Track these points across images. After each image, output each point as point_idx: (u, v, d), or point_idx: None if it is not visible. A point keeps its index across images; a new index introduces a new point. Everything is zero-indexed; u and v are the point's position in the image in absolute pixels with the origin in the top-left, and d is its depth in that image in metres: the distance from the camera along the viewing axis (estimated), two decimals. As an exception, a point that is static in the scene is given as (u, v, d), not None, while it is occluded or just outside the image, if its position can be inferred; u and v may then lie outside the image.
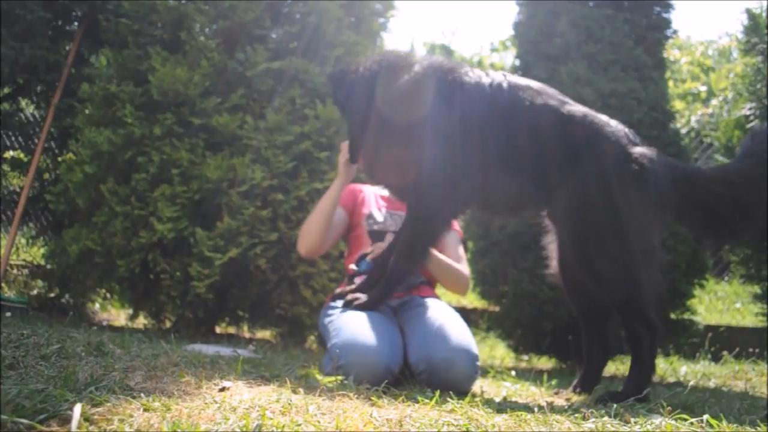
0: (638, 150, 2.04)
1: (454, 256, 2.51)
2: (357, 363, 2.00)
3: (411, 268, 2.20)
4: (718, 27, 23.68)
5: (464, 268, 2.53)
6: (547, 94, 2.11)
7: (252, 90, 3.47)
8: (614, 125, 2.09)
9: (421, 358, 2.10)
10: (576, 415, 1.55)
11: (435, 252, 2.44)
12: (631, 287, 2.00)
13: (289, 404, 1.41)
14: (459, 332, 2.19)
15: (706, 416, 1.51)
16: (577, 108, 2.09)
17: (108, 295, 4.07)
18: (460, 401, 1.61)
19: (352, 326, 2.13)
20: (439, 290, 2.67)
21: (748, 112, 4.08)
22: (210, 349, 2.56)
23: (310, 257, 2.57)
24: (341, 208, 2.56)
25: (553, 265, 2.29)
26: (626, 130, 2.10)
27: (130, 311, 3.86)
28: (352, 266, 2.43)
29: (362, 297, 2.26)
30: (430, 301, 2.39)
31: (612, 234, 1.99)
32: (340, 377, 1.93)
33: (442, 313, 2.30)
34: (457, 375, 2.07)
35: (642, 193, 2.00)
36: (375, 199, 2.61)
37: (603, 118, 2.10)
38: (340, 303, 2.33)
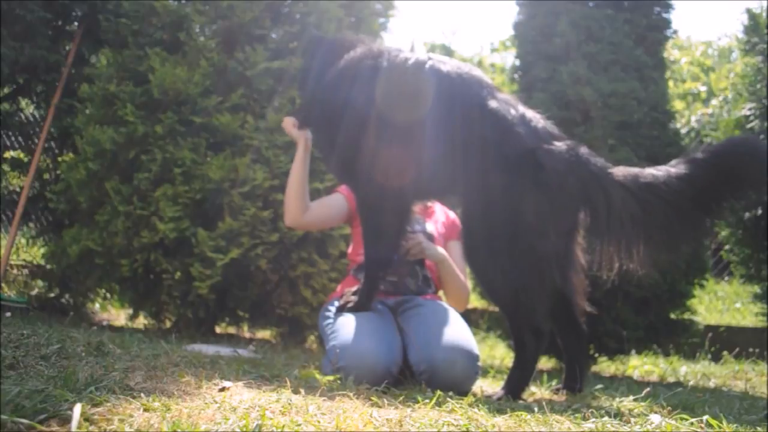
0: (546, 149, 1.97)
1: (458, 267, 2.50)
2: (356, 364, 2.00)
3: (375, 254, 2.22)
4: (718, 27, 23.69)
5: (467, 281, 2.53)
6: (470, 83, 2.09)
7: (252, 90, 3.47)
8: (527, 123, 2.02)
9: (422, 358, 2.10)
10: (576, 415, 1.55)
11: (447, 257, 2.44)
12: (519, 294, 1.98)
13: (289, 404, 1.41)
14: (460, 332, 2.19)
15: (706, 417, 1.51)
16: (493, 102, 2.04)
17: (108, 295, 4.06)
18: (460, 401, 1.61)
19: (350, 328, 2.13)
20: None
21: (748, 112, 4.08)
22: (210, 349, 2.56)
23: (295, 227, 2.64)
24: (343, 198, 2.55)
25: None
26: (540, 126, 2.04)
27: (130, 311, 3.86)
28: None
29: (354, 299, 2.28)
30: (430, 302, 2.38)
31: (502, 239, 1.97)
32: (340, 377, 1.93)
33: (443, 313, 2.30)
34: (458, 375, 2.07)
35: (540, 197, 1.95)
36: None
37: (514, 114, 2.03)
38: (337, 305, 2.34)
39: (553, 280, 2.01)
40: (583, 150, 2.02)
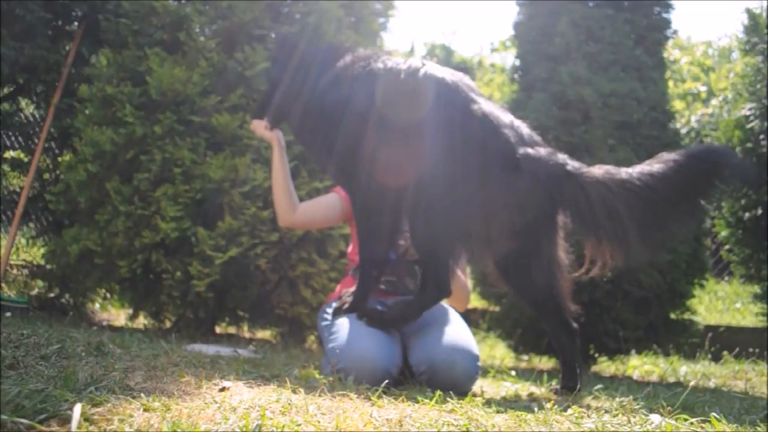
0: (527, 152, 2.03)
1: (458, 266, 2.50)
2: (355, 366, 2.00)
3: (371, 254, 2.26)
4: (718, 27, 23.71)
5: (467, 281, 2.53)
6: (463, 89, 2.12)
7: (252, 90, 3.47)
8: (512, 126, 2.08)
9: (422, 359, 2.10)
10: (576, 415, 1.55)
11: None
12: (436, 246, 2.06)
13: (289, 404, 1.41)
14: (460, 332, 2.19)
15: (710, 415, 1.51)
16: (479, 107, 2.09)
17: (108, 295, 4.06)
18: (460, 401, 1.61)
19: (349, 329, 2.13)
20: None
21: (748, 112, 4.08)
22: (210, 349, 2.56)
23: (289, 227, 2.72)
24: (339, 197, 2.55)
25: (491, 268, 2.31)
26: (526, 133, 2.10)
27: (130, 311, 3.86)
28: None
29: (350, 300, 2.29)
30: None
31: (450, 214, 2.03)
32: (340, 377, 1.93)
33: (443, 313, 2.30)
34: (458, 375, 2.07)
35: (512, 185, 2.00)
36: None
37: (503, 119, 2.09)
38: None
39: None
40: (562, 156, 2.08)
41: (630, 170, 2.03)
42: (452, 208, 2.02)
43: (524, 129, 2.12)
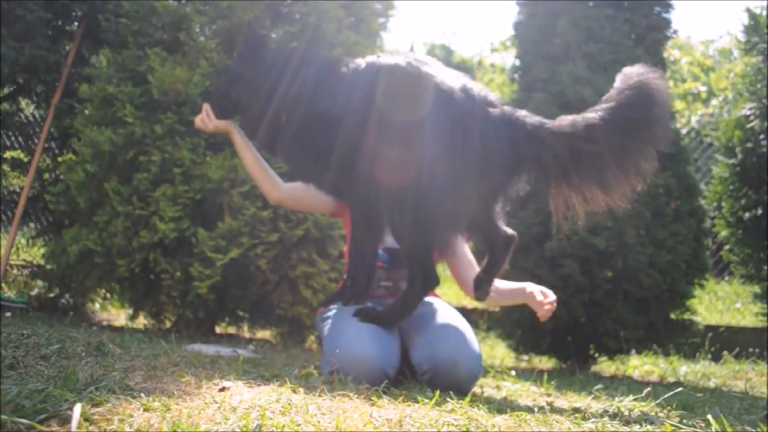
0: (476, 114, 1.98)
1: (466, 260, 2.50)
2: (352, 367, 1.99)
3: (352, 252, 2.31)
4: (718, 27, 23.73)
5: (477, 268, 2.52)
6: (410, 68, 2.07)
7: (252, 90, 3.47)
8: (465, 90, 2.02)
9: (425, 359, 2.10)
10: (576, 415, 1.55)
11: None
12: (418, 246, 2.05)
13: (289, 404, 1.41)
14: (462, 332, 2.19)
15: (707, 416, 1.51)
16: (438, 77, 2.03)
17: (108, 295, 4.06)
18: (460, 401, 1.61)
19: (346, 330, 2.13)
20: (439, 290, 2.67)
21: (748, 112, 4.08)
22: (210, 349, 2.56)
23: (278, 205, 2.68)
24: None
25: None
26: (476, 93, 2.03)
27: (130, 311, 3.86)
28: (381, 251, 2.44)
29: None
30: (431, 301, 2.38)
31: (415, 198, 1.99)
32: (340, 377, 1.93)
33: (445, 313, 2.30)
34: (461, 375, 2.07)
35: (461, 160, 1.96)
36: None
37: (454, 84, 2.03)
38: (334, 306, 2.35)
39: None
40: (520, 113, 2.03)
41: (593, 114, 1.96)
42: (422, 192, 1.98)
43: (475, 89, 2.05)
